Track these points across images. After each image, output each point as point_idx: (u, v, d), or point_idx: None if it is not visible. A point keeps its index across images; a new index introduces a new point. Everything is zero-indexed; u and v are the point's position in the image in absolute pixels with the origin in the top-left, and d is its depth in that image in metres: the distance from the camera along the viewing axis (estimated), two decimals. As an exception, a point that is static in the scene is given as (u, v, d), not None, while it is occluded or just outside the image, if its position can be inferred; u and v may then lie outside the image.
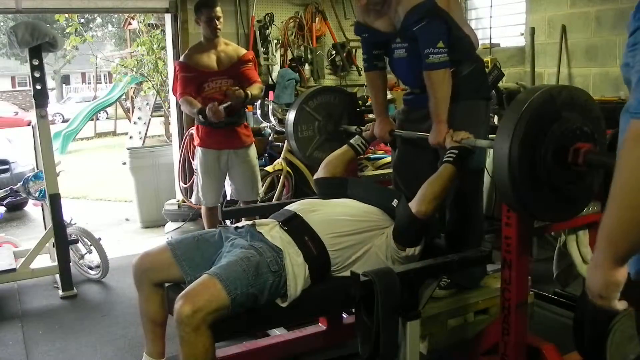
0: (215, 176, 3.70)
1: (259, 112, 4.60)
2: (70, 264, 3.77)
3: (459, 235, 2.42)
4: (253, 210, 2.87)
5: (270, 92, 4.89)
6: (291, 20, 5.16)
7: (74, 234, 3.86)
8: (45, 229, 3.82)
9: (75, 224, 4.02)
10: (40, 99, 3.50)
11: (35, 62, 3.46)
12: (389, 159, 4.10)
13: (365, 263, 2.08)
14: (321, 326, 2.74)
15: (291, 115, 2.85)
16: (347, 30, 5.28)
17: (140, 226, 5.54)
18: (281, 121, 4.39)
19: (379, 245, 2.12)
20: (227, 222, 2.65)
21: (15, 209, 6.45)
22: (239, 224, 2.21)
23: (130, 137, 9.84)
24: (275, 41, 5.08)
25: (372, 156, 4.54)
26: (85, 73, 28.64)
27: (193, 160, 4.70)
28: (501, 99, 3.51)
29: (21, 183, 3.83)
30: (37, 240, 3.70)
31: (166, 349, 2.24)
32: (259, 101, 4.52)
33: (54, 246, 3.72)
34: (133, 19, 10.79)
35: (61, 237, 3.64)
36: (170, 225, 4.84)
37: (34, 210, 6.34)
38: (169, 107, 6.77)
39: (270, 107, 4.55)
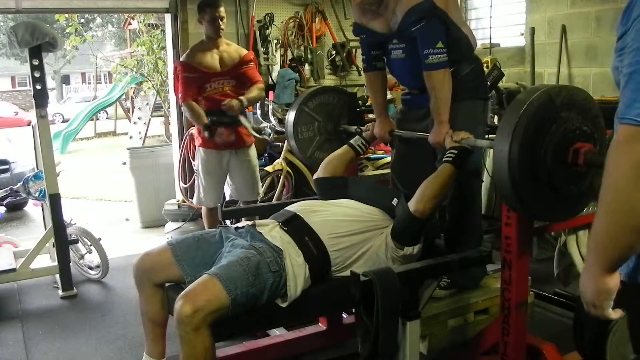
0: (217, 176, 3.70)
1: (258, 112, 4.60)
2: (70, 264, 3.77)
3: (458, 235, 2.42)
4: (253, 210, 2.88)
5: (270, 92, 4.89)
6: (291, 20, 5.16)
7: (74, 234, 3.86)
8: (45, 229, 3.82)
9: (75, 224, 4.02)
10: (40, 99, 3.50)
11: (35, 62, 3.46)
12: (388, 159, 4.10)
13: (366, 263, 2.08)
14: (321, 326, 2.75)
15: (291, 116, 2.85)
16: (347, 30, 5.27)
17: (140, 226, 5.54)
18: (281, 121, 4.39)
19: (379, 244, 2.12)
20: (227, 222, 2.65)
21: (15, 209, 6.45)
22: (239, 225, 2.21)
23: (130, 137, 9.84)
24: (275, 41, 5.08)
25: (372, 156, 4.54)
26: (85, 73, 28.64)
27: (193, 160, 4.70)
28: (501, 99, 3.51)
29: (21, 183, 3.83)
30: (37, 240, 3.70)
31: (166, 349, 2.24)
32: (259, 101, 4.52)
33: (54, 246, 3.72)
34: (133, 19, 10.79)
35: (61, 237, 3.64)
36: (170, 225, 4.83)
37: (34, 210, 6.34)
38: (169, 107, 6.77)
39: (270, 107, 4.55)
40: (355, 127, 2.75)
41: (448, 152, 2.19)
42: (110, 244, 4.29)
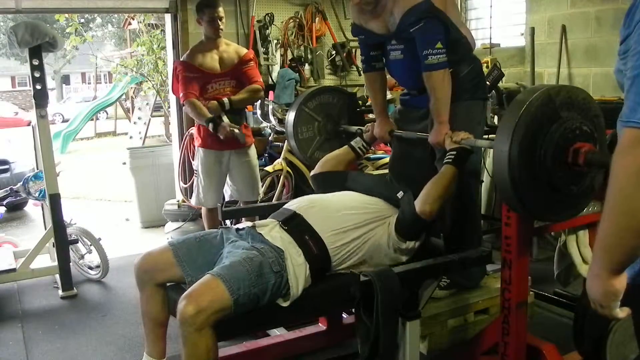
0: (217, 177, 3.68)
1: (259, 112, 4.59)
2: (70, 264, 3.77)
3: (457, 235, 2.42)
4: (253, 210, 2.87)
5: (270, 92, 4.89)
6: (291, 20, 5.16)
7: (74, 234, 3.86)
8: (45, 229, 3.82)
9: (75, 224, 4.02)
10: (40, 99, 3.50)
11: (35, 62, 3.46)
12: (388, 159, 4.10)
13: (367, 253, 2.08)
14: (321, 326, 2.75)
15: (291, 117, 2.85)
16: (347, 30, 5.27)
17: (140, 226, 5.54)
18: (281, 121, 4.39)
19: (381, 234, 2.13)
20: (227, 222, 2.65)
21: (15, 209, 6.45)
22: (240, 225, 2.21)
23: (130, 137, 9.85)
24: (275, 41, 5.08)
25: (372, 156, 4.54)
26: (85, 73, 28.61)
27: (193, 160, 4.70)
28: (501, 99, 3.51)
29: (21, 183, 3.83)
30: (37, 240, 3.70)
31: (167, 349, 2.24)
32: (259, 101, 4.52)
33: (54, 246, 3.72)
34: (133, 19, 10.79)
35: (61, 237, 3.64)
36: (170, 225, 4.83)
37: (34, 210, 6.34)
38: (169, 107, 6.77)
39: (270, 107, 4.55)
40: (356, 127, 2.75)
41: (448, 153, 2.19)
42: (110, 244, 4.29)
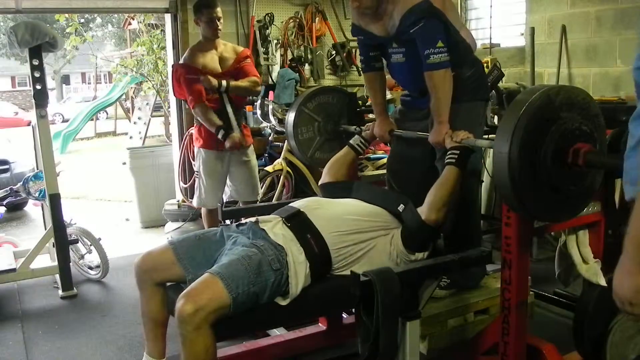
0: (218, 177, 3.68)
1: (259, 112, 4.60)
2: (70, 264, 3.77)
3: (457, 236, 2.41)
4: (253, 210, 2.86)
5: (270, 92, 4.89)
6: (291, 20, 5.16)
7: (74, 234, 3.86)
8: (45, 229, 3.82)
9: (75, 224, 4.02)
10: (40, 99, 3.50)
11: (35, 62, 3.46)
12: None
13: (367, 262, 2.08)
14: (321, 326, 2.74)
15: (291, 117, 2.85)
16: (347, 30, 5.28)
17: (140, 226, 5.54)
18: (281, 121, 4.39)
19: (383, 245, 2.12)
20: (227, 222, 2.65)
21: (15, 209, 6.45)
22: (242, 221, 2.21)
23: (130, 137, 9.84)
24: (275, 41, 5.08)
25: (372, 156, 4.54)
26: (85, 73, 28.62)
27: (193, 160, 4.69)
28: (501, 99, 3.52)
29: (21, 183, 3.83)
30: (37, 240, 3.70)
31: (167, 349, 2.24)
32: (259, 101, 4.52)
33: (54, 246, 3.72)
34: (133, 19, 10.78)
35: (61, 237, 3.64)
36: (170, 225, 4.84)
37: (34, 210, 6.34)
38: (169, 107, 6.77)
39: (270, 107, 4.55)
40: (355, 126, 2.75)
41: (449, 153, 2.19)
42: (110, 244, 4.29)
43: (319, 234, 2.06)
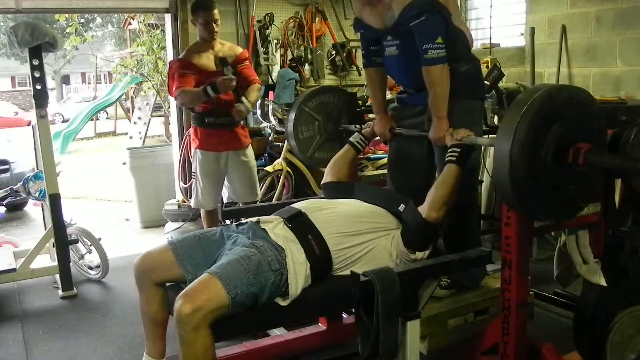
0: (215, 178, 3.66)
1: (259, 112, 4.60)
2: (70, 264, 3.77)
3: (455, 236, 2.41)
4: (253, 210, 2.86)
5: (270, 92, 4.89)
6: (291, 20, 5.16)
7: (74, 234, 3.86)
8: (45, 229, 3.82)
9: (75, 224, 4.02)
10: (40, 99, 3.50)
11: (35, 62, 3.46)
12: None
13: (368, 263, 2.08)
14: (321, 326, 2.74)
15: (291, 116, 2.85)
16: (347, 30, 5.28)
17: (140, 226, 5.54)
18: (281, 121, 4.39)
19: (384, 245, 2.13)
20: (227, 222, 2.65)
21: (15, 209, 6.45)
22: (242, 221, 2.21)
23: (130, 137, 9.83)
24: (275, 41, 5.08)
25: (372, 156, 4.54)
26: (85, 73, 28.62)
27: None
28: (501, 99, 3.51)
29: (21, 183, 3.83)
30: (37, 240, 3.70)
31: (166, 349, 2.24)
32: (259, 101, 4.52)
33: (54, 246, 3.72)
34: (133, 19, 10.78)
35: (61, 237, 3.64)
36: (170, 225, 4.84)
37: (34, 210, 6.35)
38: (169, 107, 6.78)
39: (270, 107, 4.55)
40: (355, 125, 2.75)
41: (450, 151, 2.18)
42: (110, 244, 4.29)
43: (320, 235, 2.06)
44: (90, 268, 4.02)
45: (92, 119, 14.32)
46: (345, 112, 2.92)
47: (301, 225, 2.09)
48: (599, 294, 2.21)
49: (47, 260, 3.93)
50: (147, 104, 9.74)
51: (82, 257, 4.05)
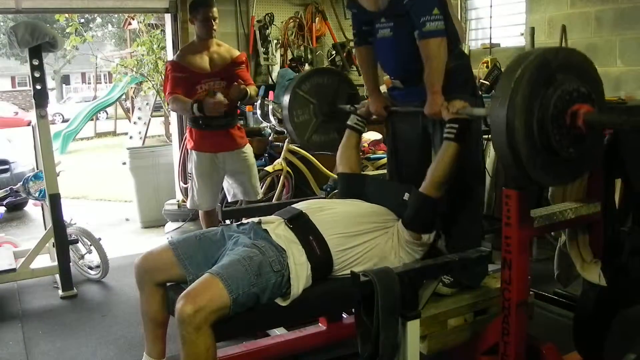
0: (211, 179, 3.63)
1: (258, 112, 4.59)
2: (70, 264, 3.77)
3: (457, 236, 2.39)
4: (253, 210, 2.87)
5: (270, 92, 4.88)
6: (291, 20, 5.16)
7: (74, 234, 3.86)
8: (45, 229, 3.82)
9: (75, 224, 4.02)
10: (40, 99, 3.50)
11: (35, 62, 3.46)
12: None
13: (369, 262, 2.08)
14: (321, 326, 2.74)
15: (285, 101, 2.81)
16: (347, 30, 5.28)
17: (140, 226, 5.54)
18: (281, 121, 4.38)
19: (384, 244, 2.13)
20: (227, 222, 2.65)
21: (15, 209, 6.46)
22: (243, 221, 2.22)
23: (130, 137, 9.84)
24: (275, 41, 5.08)
25: (372, 156, 4.54)
26: (85, 73, 28.64)
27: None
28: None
29: (21, 183, 3.83)
30: (37, 240, 3.70)
31: (166, 349, 2.24)
32: (259, 101, 4.52)
33: (54, 246, 3.72)
34: (133, 19, 10.78)
35: (61, 237, 3.64)
36: (170, 225, 4.84)
37: (34, 210, 6.35)
38: (169, 107, 6.77)
39: (270, 107, 4.55)
40: (349, 105, 2.72)
41: (447, 127, 2.15)
42: (110, 244, 4.29)
43: (321, 236, 2.07)
44: (90, 268, 4.02)
45: (92, 119, 14.33)
46: (341, 92, 2.88)
47: (302, 226, 2.09)
48: (599, 294, 2.21)
49: (47, 260, 3.93)
50: (147, 104, 9.75)
51: (82, 257, 4.05)
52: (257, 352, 2.53)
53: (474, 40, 5.51)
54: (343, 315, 2.75)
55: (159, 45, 7.21)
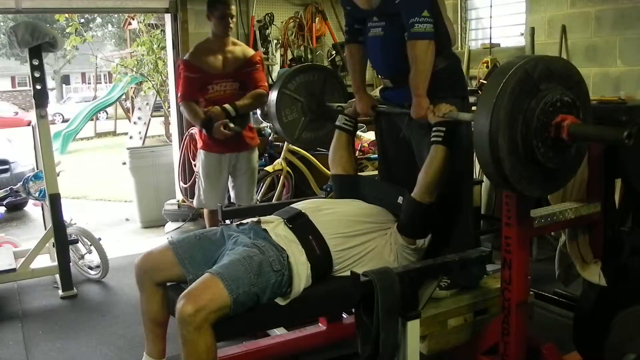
0: (217, 179, 3.61)
1: (259, 112, 4.59)
2: (70, 264, 3.77)
3: (448, 238, 2.36)
4: (253, 210, 2.86)
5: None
6: (291, 20, 5.16)
7: (74, 234, 3.85)
8: (45, 229, 3.82)
9: (75, 224, 4.02)
10: (40, 99, 3.50)
11: (35, 62, 3.46)
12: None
13: (368, 264, 2.08)
14: (321, 326, 2.74)
15: (272, 99, 2.79)
16: (347, 30, 5.27)
17: (140, 226, 5.54)
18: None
19: (383, 245, 2.13)
20: (227, 222, 2.65)
21: (15, 209, 6.46)
22: (243, 221, 2.21)
23: (130, 137, 9.84)
24: (275, 41, 5.08)
25: (372, 156, 4.54)
26: (85, 73, 28.64)
27: (193, 160, 4.69)
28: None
29: (21, 183, 3.83)
30: (37, 240, 3.70)
31: (167, 349, 2.24)
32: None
33: (54, 246, 3.72)
34: (133, 19, 10.78)
35: (61, 237, 3.63)
36: (170, 225, 4.84)
37: (34, 210, 6.35)
38: (169, 107, 6.77)
39: (271, 107, 4.54)
40: (337, 105, 2.70)
41: (434, 130, 2.14)
42: (110, 244, 4.29)
43: (321, 236, 2.07)
44: (90, 268, 4.02)
45: (92, 119, 14.33)
46: (328, 88, 2.86)
47: (302, 226, 2.09)
48: (599, 294, 2.21)
49: (47, 260, 3.93)
50: (147, 104, 9.75)
51: (82, 257, 4.05)
52: (257, 352, 2.53)
53: (474, 40, 5.52)
54: (343, 315, 2.75)
55: (159, 45, 7.22)
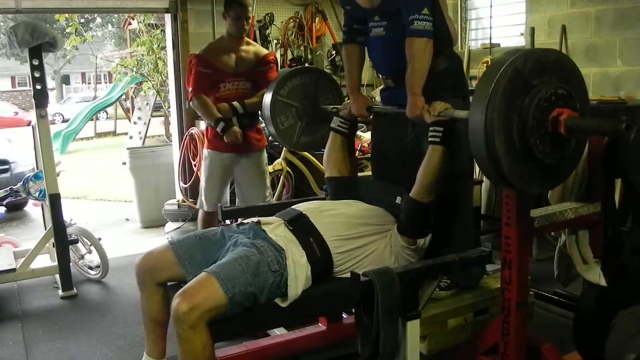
0: (218, 179, 3.58)
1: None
2: (70, 264, 3.77)
3: (446, 239, 2.36)
4: (253, 210, 2.86)
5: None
6: (291, 20, 5.17)
7: (74, 234, 3.85)
8: (45, 229, 3.82)
9: (75, 224, 4.02)
10: (40, 99, 3.50)
11: (35, 62, 3.46)
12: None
13: (368, 266, 2.08)
14: (321, 326, 2.74)
15: (267, 103, 2.76)
16: (347, 30, 5.27)
17: (140, 226, 5.54)
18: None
19: (384, 247, 2.13)
20: (227, 222, 2.65)
21: (15, 209, 6.46)
22: (243, 221, 2.21)
23: (130, 137, 9.85)
24: (275, 41, 5.08)
25: (372, 156, 4.54)
26: (85, 73, 28.64)
27: (193, 160, 4.69)
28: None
29: (21, 183, 3.83)
30: (37, 240, 3.70)
31: (167, 349, 2.24)
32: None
33: (54, 246, 3.72)
34: (133, 19, 10.79)
35: (61, 237, 3.64)
36: (170, 225, 4.84)
37: (34, 210, 6.35)
38: (169, 107, 6.77)
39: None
40: (331, 107, 2.68)
41: (431, 130, 2.13)
42: (110, 244, 4.29)
43: (321, 238, 2.06)
44: (90, 268, 4.02)
45: (92, 119, 14.33)
46: (322, 89, 2.84)
47: (302, 228, 2.09)
48: (599, 294, 2.21)
49: (47, 260, 3.93)
50: (147, 104, 9.76)
51: (82, 257, 4.05)
52: (257, 352, 2.53)
53: (474, 40, 5.52)
54: (343, 315, 2.75)
55: (159, 45, 7.22)
